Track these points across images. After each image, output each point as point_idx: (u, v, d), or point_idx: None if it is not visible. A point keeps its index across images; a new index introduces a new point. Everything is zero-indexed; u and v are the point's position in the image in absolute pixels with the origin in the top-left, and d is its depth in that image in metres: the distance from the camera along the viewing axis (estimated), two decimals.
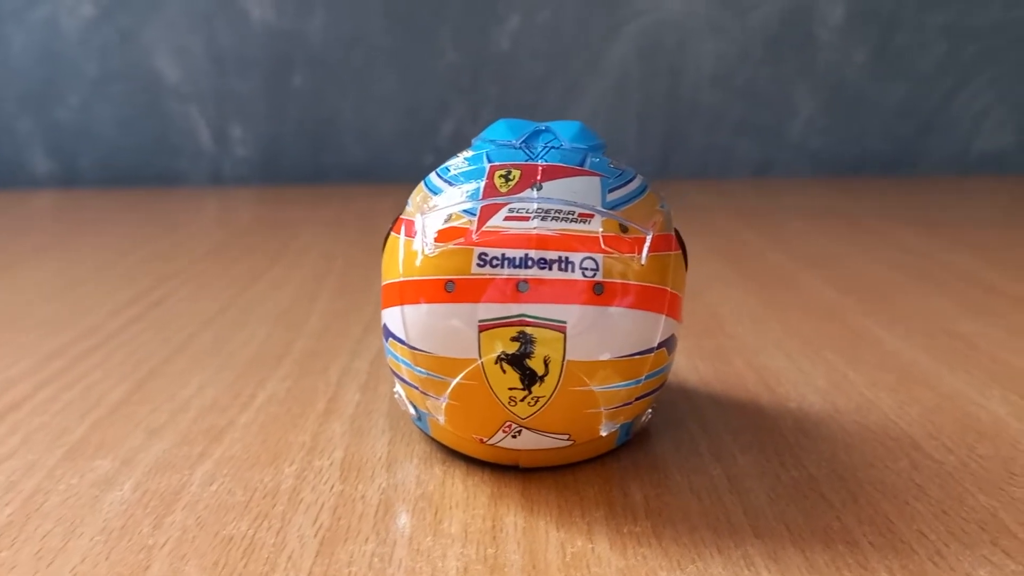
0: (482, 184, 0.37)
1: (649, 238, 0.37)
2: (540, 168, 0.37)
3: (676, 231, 0.42)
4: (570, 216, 0.36)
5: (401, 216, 0.41)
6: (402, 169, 1.31)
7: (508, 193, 0.36)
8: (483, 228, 0.36)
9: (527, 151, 0.38)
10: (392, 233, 0.42)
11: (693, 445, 0.42)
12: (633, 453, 0.41)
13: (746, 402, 0.47)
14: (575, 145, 0.39)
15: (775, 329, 0.59)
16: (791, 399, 0.47)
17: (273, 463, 0.41)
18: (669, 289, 0.38)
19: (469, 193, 0.37)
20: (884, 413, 0.45)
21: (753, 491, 0.37)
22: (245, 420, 0.46)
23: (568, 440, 0.38)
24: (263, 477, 0.39)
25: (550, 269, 0.35)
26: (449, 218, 0.37)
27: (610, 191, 0.37)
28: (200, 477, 0.40)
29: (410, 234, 0.38)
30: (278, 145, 1.30)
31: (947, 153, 1.32)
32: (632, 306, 0.36)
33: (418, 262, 0.37)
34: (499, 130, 0.40)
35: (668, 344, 0.39)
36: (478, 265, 0.35)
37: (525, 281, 0.35)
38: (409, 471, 0.40)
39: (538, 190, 0.36)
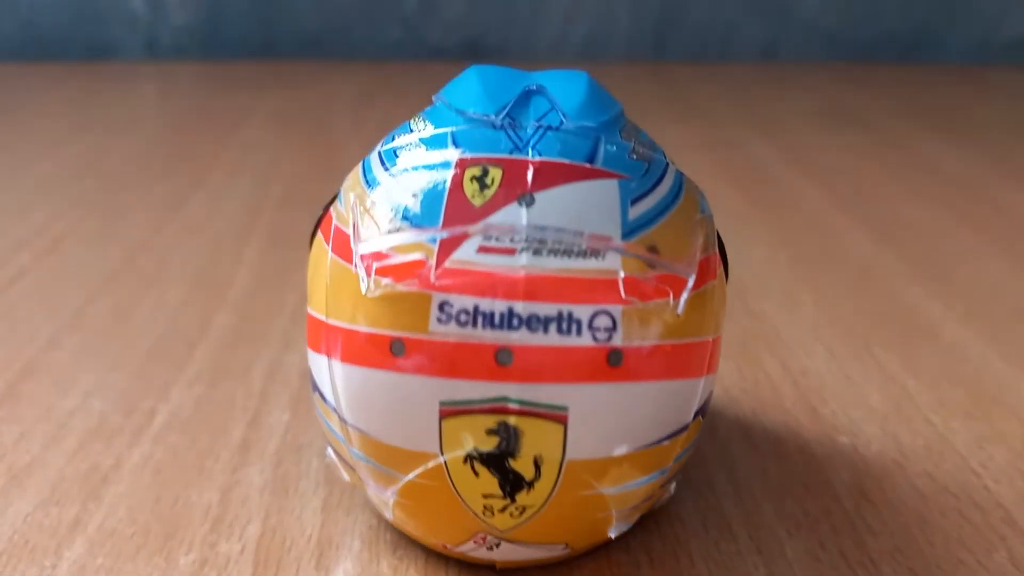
0: (445, 190, 0.25)
1: (691, 281, 0.25)
2: (531, 166, 0.25)
3: (718, 239, 0.30)
4: (575, 248, 0.24)
5: (331, 210, 0.29)
6: (362, 44, 1.15)
7: (484, 209, 0.24)
8: (447, 263, 0.24)
9: (512, 133, 0.26)
10: (318, 233, 0.30)
11: (723, 521, 0.32)
12: (644, 535, 0.31)
13: (787, 436, 0.37)
14: (581, 123, 0.26)
15: (807, 305, 0.48)
16: (842, 430, 0.37)
17: (164, 547, 0.30)
18: (711, 337, 0.27)
19: (424, 201, 0.25)
20: (961, 457, 0.35)
21: None
22: (137, 458, 0.35)
23: (564, 549, 0.28)
24: (149, 573, 0.29)
25: (545, 331, 0.24)
26: (395, 242, 0.25)
27: (633, 202, 0.25)
28: (66, 570, 0.29)
29: (341, 251, 0.26)
30: (221, 11, 1.13)
31: (970, 41, 1.18)
32: (662, 376, 0.25)
33: (352, 302, 0.25)
34: (471, 89, 0.27)
35: (705, 407, 0.28)
36: (439, 321, 0.24)
37: (508, 349, 0.24)
38: (348, 563, 0.29)
39: (528, 205, 0.24)
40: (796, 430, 0.37)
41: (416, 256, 0.24)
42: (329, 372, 0.26)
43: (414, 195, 0.25)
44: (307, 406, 0.38)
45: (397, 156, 0.27)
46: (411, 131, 0.27)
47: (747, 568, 0.29)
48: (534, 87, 0.27)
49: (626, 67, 1.12)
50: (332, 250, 0.27)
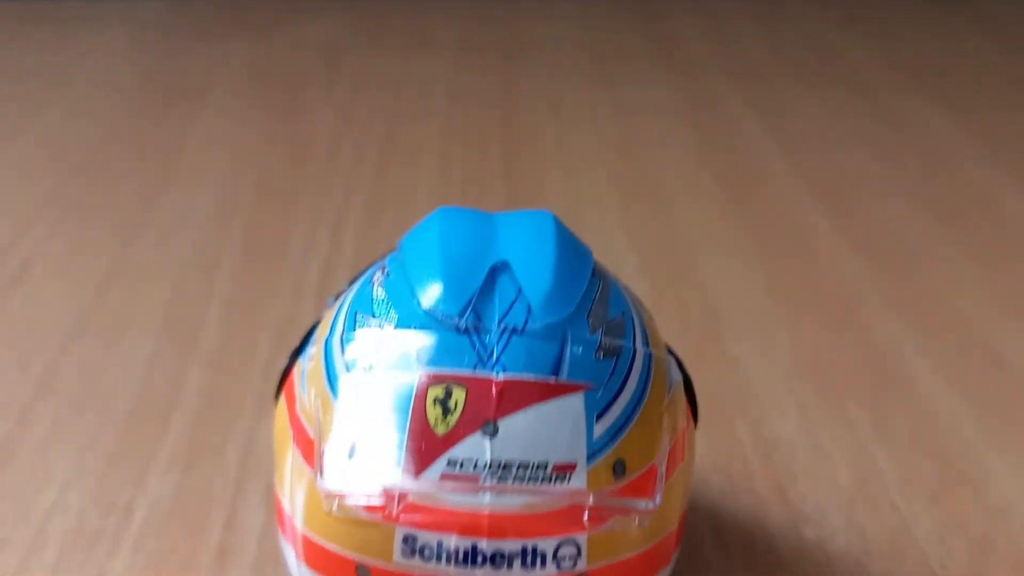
0: (408, 415, 0.24)
1: (662, 470, 0.25)
2: (495, 388, 0.24)
3: (686, 382, 0.30)
4: (540, 473, 0.24)
5: (291, 372, 0.29)
6: None
7: (447, 438, 0.24)
8: (410, 496, 0.24)
9: (476, 340, 0.25)
10: (282, 398, 0.29)
11: None
12: None
13: (755, 531, 0.37)
14: (547, 321, 0.26)
15: (784, 345, 0.48)
16: (809, 520, 0.38)
17: None
18: (677, 523, 0.27)
19: (387, 426, 0.25)
20: (923, 552, 0.36)
21: None
22: (119, 570, 0.35)
23: None
24: None
25: (509, 567, 0.24)
26: (359, 468, 0.25)
27: (599, 417, 0.25)
28: None
29: (305, 451, 0.26)
30: None
31: None
32: None
33: (317, 514, 0.25)
34: (432, 263, 0.27)
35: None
36: (403, 553, 0.24)
37: None
38: None
39: (492, 435, 0.24)
40: (764, 522, 0.38)
41: (380, 485, 0.24)
42: (296, 567, 0.27)
43: (376, 419, 0.25)
44: None
45: (360, 356, 0.26)
46: (372, 314, 0.27)
47: None
48: (499, 264, 0.26)
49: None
50: (295, 442, 0.27)
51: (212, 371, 0.46)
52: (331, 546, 0.25)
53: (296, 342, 0.47)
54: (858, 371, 0.47)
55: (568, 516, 0.24)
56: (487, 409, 0.24)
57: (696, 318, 0.51)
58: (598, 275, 0.28)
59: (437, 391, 0.24)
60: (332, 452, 0.25)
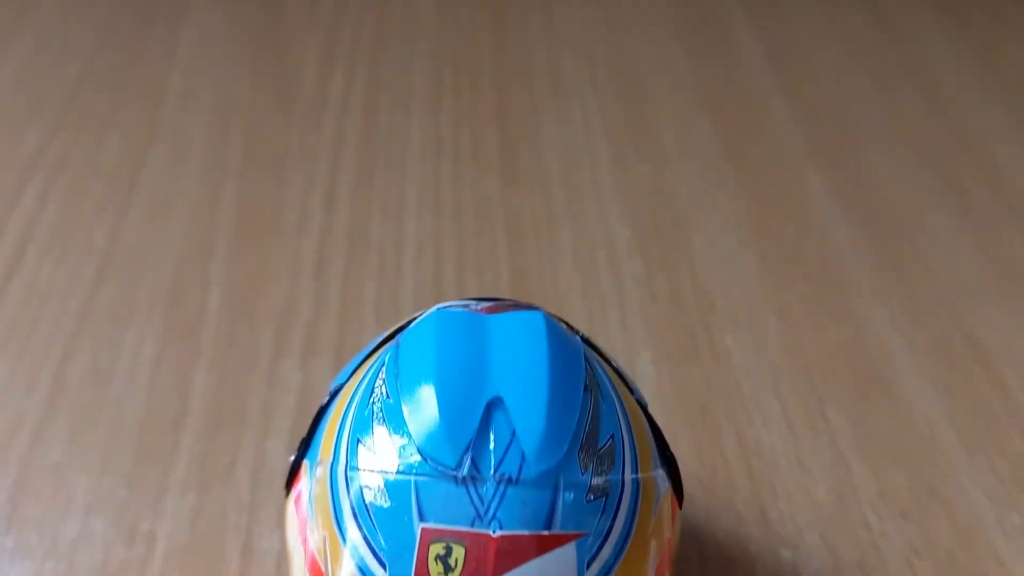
0: (412, 565, 0.26)
1: None
2: (494, 545, 0.26)
3: (669, 464, 0.32)
4: None
5: (300, 471, 0.31)
6: None
7: None
8: None
9: (473, 492, 0.27)
10: (291, 501, 0.31)
11: None
12: None
13: (736, 554, 0.40)
14: (540, 468, 0.27)
15: (771, 336, 0.50)
16: (787, 541, 0.40)
17: None
18: None
19: (391, 572, 0.26)
20: (888, 574, 0.39)
21: None
22: None
23: None
24: None
25: None
26: None
27: (588, 564, 0.27)
28: None
29: (314, 571, 0.28)
30: None
31: None
32: None
33: None
34: (426, 402, 0.28)
35: None
36: None
37: None
38: None
39: None
40: (745, 544, 0.41)
41: None
42: None
43: (383, 565, 0.26)
44: None
45: (364, 500, 0.27)
46: (374, 451, 0.28)
47: None
48: (494, 400, 0.27)
49: None
50: (309, 570, 0.29)
51: (216, 373, 0.48)
52: None
53: (296, 341, 0.49)
54: (843, 366, 0.48)
55: None
56: (485, 567, 0.26)
57: (688, 302, 0.52)
58: (588, 391, 0.29)
59: (438, 548, 0.26)
60: None
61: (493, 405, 0.27)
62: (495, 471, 0.27)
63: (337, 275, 0.53)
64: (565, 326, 0.32)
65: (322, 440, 0.31)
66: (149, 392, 0.47)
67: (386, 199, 0.59)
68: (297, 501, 0.31)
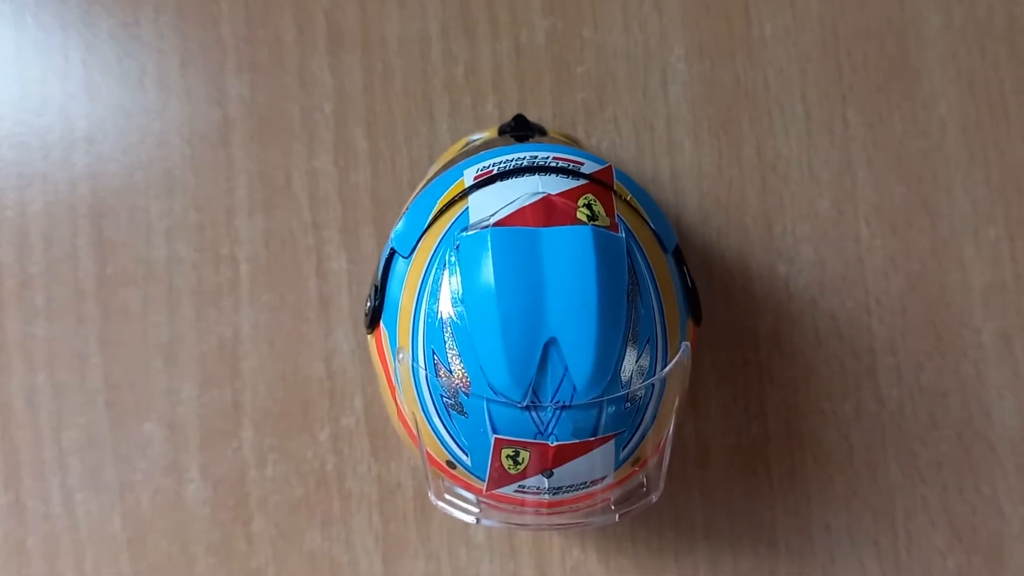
0: (488, 458, 0.34)
1: (666, 455, 0.36)
2: (551, 452, 0.33)
3: (691, 291, 0.37)
4: (582, 486, 0.35)
5: (379, 334, 0.36)
6: None
7: (517, 476, 0.34)
8: (493, 491, 0.35)
9: (535, 416, 0.33)
10: (376, 353, 0.37)
11: None
12: None
13: (737, 262, 0.46)
14: (588, 397, 0.33)
15: (812, 15, 0.47)
16: (785, 255, 0.46)
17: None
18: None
19: (474, 457, 0.34)
20: (866, 288, 0.46)
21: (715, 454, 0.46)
22: (248, 328, 0.46)
23: None
24: None
25: (563, 514, 0.36)
26: (452, 466, 0.35)
27: (624, 446, 0.34)
28: None
29: (406, 426, 0.36)
30: None
31: None
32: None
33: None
34: (491, 341, 0.32)
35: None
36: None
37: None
38: None
39: (549, 476, 0.34)
40: (747, 260, 0.47)
41: (470, 482, 0.35)
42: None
43: (465, 452, 0.34)
44: (353, 241, 0.46)
45: (445, 406, 0.34)
46: (449, 369, 0.33)
47: (681, 422, 0.46)
48: (550, 341, 0.32)
49: None
50: (400, 420, 0.36)
51: (248, 81, 0.47)
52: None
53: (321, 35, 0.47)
54: (875, 55, 0.48)
55: (602, 495, 0.36)
56: (545, 463, 0.34)
57: None
58: (631, 301, 0.33)
59: (509, 451, 0.33)
60: (435, 458, 0.35)
61: (550, 345, 0.32)
62: (552, 400, 0.33)
63: None
64: (615, 201, 0.35)
65: (397, 318, 0.35)
66: (186, 100, 0.47)
67: None
68: (380, 354, 0.37)
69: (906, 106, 0.48)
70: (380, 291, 0.37)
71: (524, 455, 0.34)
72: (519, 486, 0.35)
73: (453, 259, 0.34)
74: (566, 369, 0.32)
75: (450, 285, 0.34)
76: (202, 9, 0.48)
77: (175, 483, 0.46)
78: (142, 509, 0.46)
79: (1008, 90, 0.48)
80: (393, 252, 0.37)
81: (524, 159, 0.36)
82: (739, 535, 0.45)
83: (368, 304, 0.38)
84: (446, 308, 0.34)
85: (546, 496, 0.35)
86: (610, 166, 0.37)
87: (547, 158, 0.36)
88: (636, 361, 0.34)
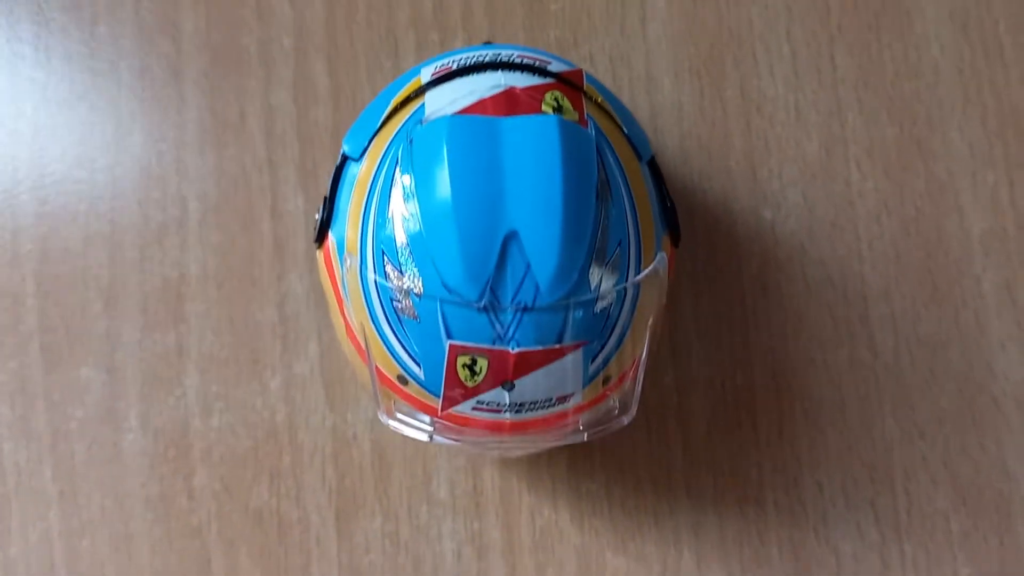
0: (442, 368, 0.30)
1: (640, 376, 0.33)
2: (512, 358, 0.30)
3: (669, 214, 0.34)
4: (547, 404, 0.31)
5: (327, 242, 0.33)
6: None
7: (475, 389, 0.31)
8: (448, 411, 0.32)
9: (494, 319, 0.29)
10: (324, 269, 0.34)
11: None
12: None
13: (721, 207, 0.43)
14: (553, 297, 0.29)
15: None
16: (770, 197, 0.44)
17: None
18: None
19: (427, 368, 0.31)
20: (856, 236, 0.44)
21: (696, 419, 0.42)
22: (195, 268, 0.43)
23: None
24: None
25: (526, 440, 0.33)
26: (403, 381, 0.32)
27: (593, 359, 0.31)
28: None
29: (357, 346, 0.33)
30: None
31: None
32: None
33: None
34: (446, 236, 0.29)
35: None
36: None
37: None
38: None
39: (510, 390, 0.31)
40: (730, 205, 0.44)
41: (423, 400, 0.32)
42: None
43: (417, 364, 0.31)
44: (311, 181, 0.44)
45: (396, 311, 0.30)
46: (400, 269, 0.30)
47: (661, 371, 0.43)
48: (510, 234, 0.29)
49: None
50: (348, 337, 0.33)
51: (204, 12, 0.45)
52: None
53: None
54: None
55: (568, 417, 0.32)
56: (505, 373, 0.30)
57: None
58: (600, 200, 0.30)
59: (465, 359, 0.30)
60: (385, 375, 0.32)
61: (509, 238, 0.29)
62: (512, 301, 0.29)
63: None
64: (584, 102, 0.32)
65: (346, 224, 0.32)
66: (138, 32, 0.45)
67: None
68: (328, 266, 0.34)
69: (897, 47, 0.45)
70: (329, 202, 0.34)
71: (482, 363, 0.30)
72: (477, 402, 0.31)
73: (405, 153, 0.31)
74: (528, 266, 0.29)
75: (402, 181, 0.31)
76: None
77: (112, 432, 0.42)
78: (75, 460, 0.42)
79: (1003, 31, 0.45)
80: (344, 158, 0.34)
81: (486, 56, 0.33)
82: (723, 494, 0.42)
83: (317, 216, 0.34)
84: (397, 205, 0.31)
85: (507, 415, 0.32)
86: (580, 69, 0.34)
87: (511, 55, 0.33)
88: (606, 263, 0.31)
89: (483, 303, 0.30)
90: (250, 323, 0.43)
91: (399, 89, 0.34)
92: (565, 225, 0.29)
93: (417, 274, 0.30)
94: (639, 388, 0.33)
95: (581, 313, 0.31)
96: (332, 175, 0.34)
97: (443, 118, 0.30)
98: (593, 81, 0.34)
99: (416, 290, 0.30)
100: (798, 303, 0.43)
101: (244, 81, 0.45)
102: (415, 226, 0.30)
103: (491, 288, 0.30)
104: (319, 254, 0.35)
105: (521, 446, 0.35)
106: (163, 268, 0.43)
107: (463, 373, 0.31)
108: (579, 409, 0.32)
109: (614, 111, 0.34)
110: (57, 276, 0.43)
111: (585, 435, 0.33)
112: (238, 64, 0.45)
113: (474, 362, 0.31)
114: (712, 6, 0.45)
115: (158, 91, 0.45)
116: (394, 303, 0.31)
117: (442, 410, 0.32)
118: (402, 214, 0.30)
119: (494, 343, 0.30)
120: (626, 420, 0.33)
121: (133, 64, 0.45)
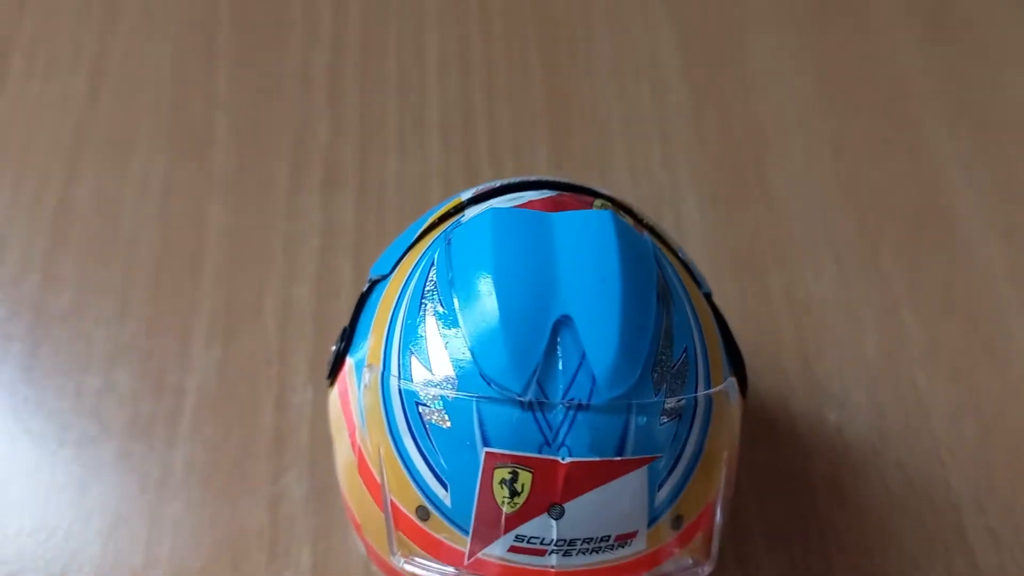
0: (475, 489, 0.25)
1: (718, 520, 0.27)
2: (563, 471, 0.24)
3: (734, 356, 0.30)
4: (603, 545, 0.25)
5: (343, 367, 0.29)
6: None
7: (515, 517, 0.25)
8: (479, 554, 0.25)
9: (541, 418, 0.24)
10: (336, 394, 0.29)
11: None
12: None
13: (778, 405, 0.39)
14: (612, 393, 0.25)
15: (827, 168, 0.46)
16: (832, 398, 0.39)
17: None
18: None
19: (454, 494, 0.25)
20: (934, 439, 0.39)
21: None
22: (181, 467, 0.38)
23: None
24: None
25: None
26: (427, 528, 0.26)
27: (660, 485, 0.25)
28: None
29: (373, 491, 0.27)
30: None
31: None
32: None
33: (385, 549, 0.27)
34: (486, 316, 0.25)
35: None
36: None
37: None
38: None
39: (558, 517, 0.25)
40: (788, 404, 0.40)
41: (448, 540, 0.25)
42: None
43: (444, 485, 0.25)
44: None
45: (421, 418, 0.25)
46: (429, 367, 0.25)
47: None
48: (561, 319, 0.25)
49: None
50: (360, 473, 0.27)
51: (232, 207, 0.44)
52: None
53: (316, 171, 0.46)
54: (900, 205, 0.45)
55: (631, 567, 0.26)
56: (553, 493, 0.24)
57: (738, 138, 0.47)
58: (661, 301, 0.26)
59: (503, 473, 0.24)
60: (400, 512, 0.26)
61: (561, 324, 0.25)
62: (564, 397, 0.24)
63: (353, 93, 0.49)
64: (632, 221, 0.29)
65: (368, 339, 0.28)
66: (162, 224, 0.44)
67: (403, 5, 0.53)
68: (343, 397, 0.29)
69: (944, 249, 0.44)
70: (349, 332, 0.30)
71: (524, 479, 0.24)
72: (516, 537, 0.25)
73: (443, 252, 0.28)
74: (583, 355, 0.25)
75: (437, 277, 0.27)
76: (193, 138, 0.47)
77: None
78: None
79: None
80: (370, 286, 0.31)
81: (531, 177, 0.31)
82: None
83: (333, 349, 0.30)
84: (431, 299, 0.27)
85: (553, 558, 0.25)
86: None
87: (557, 179, 0.31)
88: (672, 367, 0.26)
89: (528, 397, 0.25)
90: (235, 527, 0.36)
91: (434, 212, 0.31)
92: (624, 312, 0.25)
93: (450, 368, 0.25)
94: (718, 534, 0.27)
95: (645, 420, 0.25)
96: (356, 302, 0.31)
97: (487, 210, 0.28)
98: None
99: (449, 386, 0.25)
100: (880, 512, 0.37)
101: (265, 273, 0.43)
102: (451, 316, 0.26)
103: (538, 381, 0.25)
104: (331, 392, 0.30)
105: None
106: (144, 466, 0.38)
107: (500, 493, 0.25)
108: (642, 564, 0.26)
109: (667, 237, 0.31)
110: (18, 464, 0.37)
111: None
112: (261, 256, 0.43)
113: (515, 477, 0.25)
114: (748, 217, 0.45)
115: (174, 282, 0.42)
116: (419, 407, 0.26)
117: (471, 552, 0.25)
118: (436, 308, 0.26)
119: (540, 450, 0.25)
120: (705, 570, 0.26)
121: (153, 249, 0.43)
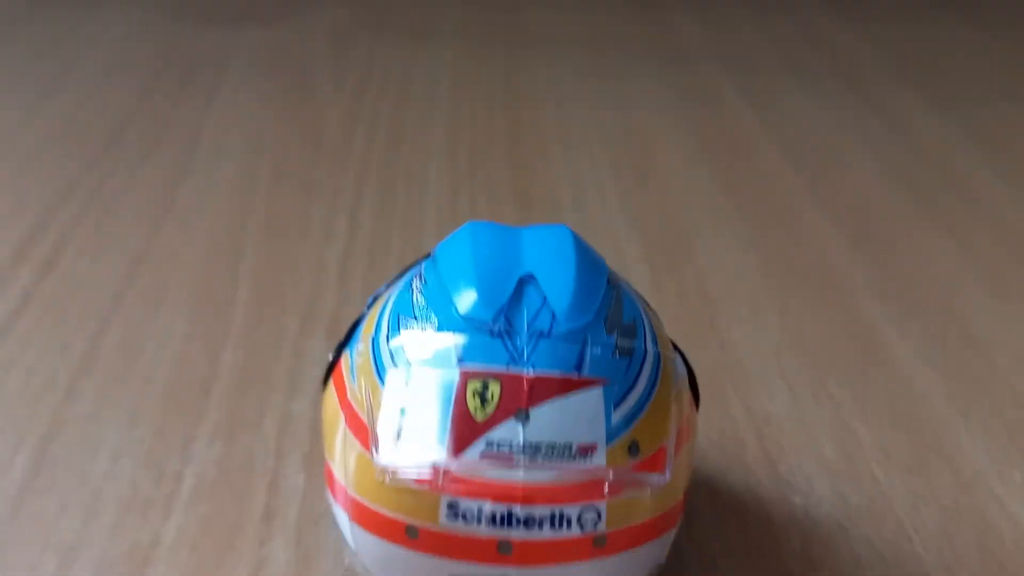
0: (451, 403, 0.28)
1: (670, 450, 0.29)
2: (527, 382, 0.28)
3: (689, 374, 0.34)
4: (566, 453, 0.28)
5: (339, 362, 0.33)
6: None
7: (486, 423, 0.28)
8: (454, 469, 0.28)
9: (508, 342, 0.29)
10: (331, 384, 0.33)
11: (682, 563, 0.37)
12: None
13: (746, 493, 0.41)
14: (569, 326, 0.29)
15: (773, 327, 0.52)
16: (797, 487, 0.42)
17: None
18: (683, 492, 0.31)
19: (432, 412, 0.28)
20: (898, 519, 0.40)
21: None
22: (172, 533, 0.39)
23: None
24: None
25: (540, 528, 0.28)
26: (408, 450, 0.28)
27: (616, 406, 0.29)
28: None
29: (357, 431, 0.30)
30: None
31: None
32: (641, 542, 0.29)
33: (369, 484, 0.29)
34: (466, 273, 0.31)
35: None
36: (448, 517, 0.28)
37: (508, 542, 0.28)
38: None
39: (524, 422, 0.28)
40: (756, 491, 0.42)
41: (427, 460, 0.28)
42: (351, 529, 0.30)
43: (423, 404, 0.28)
44: (319, 473, 0.42)
45: (406, 353, 0.29)
46: (414, 318, 0.30)
47: None
48: (526, 276, 0.30)
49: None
50: (347, 423, 0.30)
51: (243, 352, 0.50)
52: (383, 511, 0.29)
53: (322, 325, 0.52)
54: (841, 351, 0.51)
55: (590, 487, 0.28)
56: (519, 400, 0.28)
57: (693, 301, 0.55)
58: (613, 285, 0.32)
59: (475, 385, 0.28)
60: (384, 433, 0.29)
61: (525, 280, 0.30)
62: (528, 327, 0.29)
63: (360, 275, 0.56)
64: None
65: (360, 334, 0.33)
66: (179, 363, 0.49)
67: (406, 217, 0.63)
68: (337, 381, 0.32)
69: (885, 380, 0.48)
70: (344, 344, 0.34)
71: (494, 389, 0.28)
72: (487, 443, 0.27)
73: (428, 260, 0.33)
74: (544, 299, 0.30)
75: (423, 269, 0.33)
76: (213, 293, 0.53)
77: None
78: None
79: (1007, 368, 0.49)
80: (362, 315, 0.36)
81: None
82: None
83: (330, 356, 0.34)
84: (418, 282, 0.32)
85: (521, 457, 0.27)
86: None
87: None
88: (621, 324, 0.30)
89: (497, 327, 0.29)
90: None
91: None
92: (579, 277, 0.31)
93: (432, 316, 0.30)
94: (671, 458, 0.29)
95: (599, 350, 0.29)
96: (350, 327, 0.35)
97: (467, 223, 0.34)
98: None
99: (431, 328, 0.29)
100: None
101: (269, 393, 0.46)
102: (433, 283, 0.31)
103: (506, 316, 0.29)
104: (325, 392, 0.33)
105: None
106: (136, 532, 0.39)
107: (473, 403, 0.28)
108: (601, 485, 0.28)
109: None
110: (19, 534, 0.38)
111: (606, 486, 0.27)
112: (266, 382, 0.47)
113: (485, 388, 0.28)
114: (706, 355, 0.50)
115: (184, 401, 0.46)
116: (405, 348, 0.29)
117: (448, 454, 0.27)
118: (420, 279, 0.31)
119: (508, 366, 0.28)
120: (656, 479, 0.28)
121: (167, 379, 0.47)
